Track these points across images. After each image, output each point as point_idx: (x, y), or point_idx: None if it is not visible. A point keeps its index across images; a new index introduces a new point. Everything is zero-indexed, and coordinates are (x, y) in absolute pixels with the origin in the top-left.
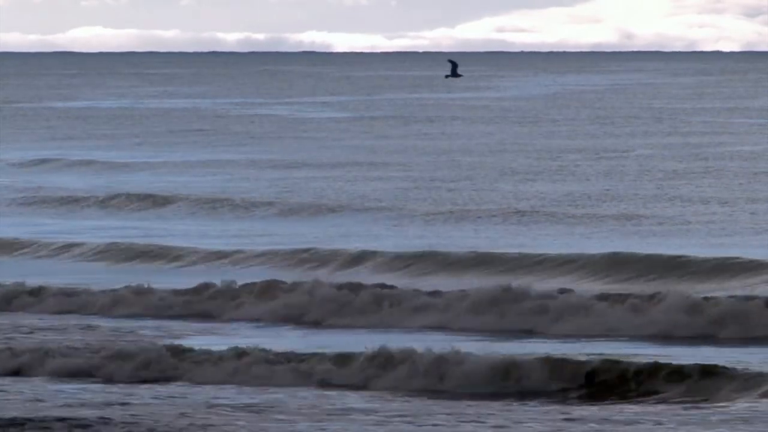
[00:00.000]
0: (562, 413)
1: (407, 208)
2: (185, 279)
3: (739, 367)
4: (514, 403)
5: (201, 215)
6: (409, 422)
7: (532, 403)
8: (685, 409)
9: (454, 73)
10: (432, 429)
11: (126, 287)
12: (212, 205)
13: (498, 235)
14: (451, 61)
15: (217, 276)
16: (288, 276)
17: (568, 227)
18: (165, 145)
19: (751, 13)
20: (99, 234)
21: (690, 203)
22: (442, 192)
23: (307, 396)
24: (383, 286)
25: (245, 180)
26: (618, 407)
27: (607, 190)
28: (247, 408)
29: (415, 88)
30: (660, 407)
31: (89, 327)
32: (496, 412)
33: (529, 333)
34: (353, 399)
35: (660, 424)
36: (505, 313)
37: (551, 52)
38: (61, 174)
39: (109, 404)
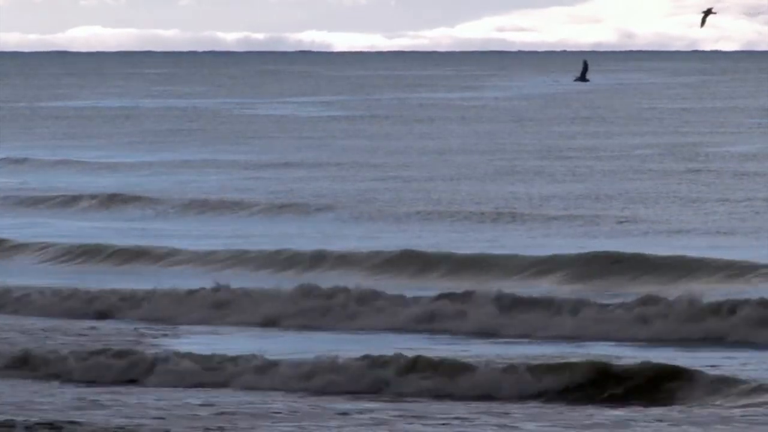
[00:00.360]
0: (559, 413)
1: (405, 207)
2: (175, 280)
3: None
4: (513, 404)
5: (196, 215)
6: (409, 423)
7: (532, 404)
8: (689, 407)
9: (583, 76)
10: (432, 429)
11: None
12: (208, 204)
13: (498, 234)
14: (584, 63)
15: (196, 278)
16: (265, 278)
17: (567, 227)
18: (164, 145)
19: (751, 13)
20: (94, 234)
21: (690, 203)
22: (440, 192)
23: (305, 397)
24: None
25: (244, 179)
26: (611, 408)
27: (607, 190)
28: (246, 407)
29: (414, 87)
30: (654, 409)
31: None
32: (494, 412)
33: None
34: (349, 400)
35: (657, 422)
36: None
37: (551, 52)
38: (59, 173)
39: (97, 406)
